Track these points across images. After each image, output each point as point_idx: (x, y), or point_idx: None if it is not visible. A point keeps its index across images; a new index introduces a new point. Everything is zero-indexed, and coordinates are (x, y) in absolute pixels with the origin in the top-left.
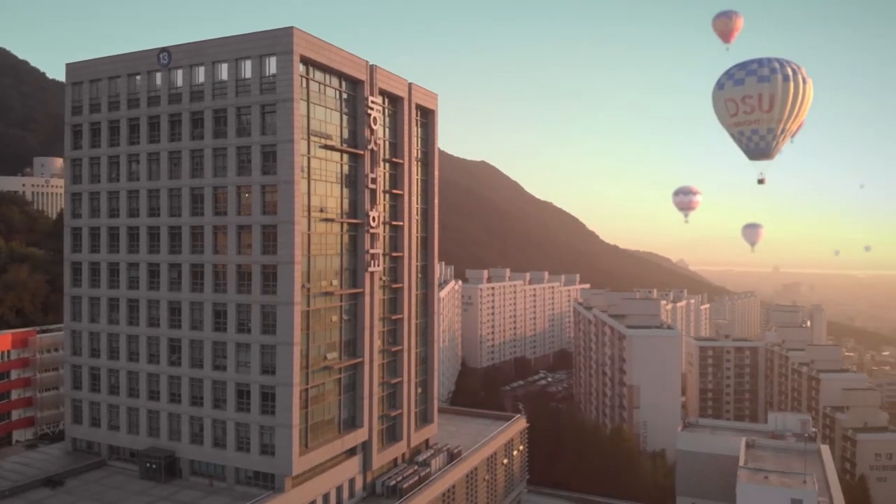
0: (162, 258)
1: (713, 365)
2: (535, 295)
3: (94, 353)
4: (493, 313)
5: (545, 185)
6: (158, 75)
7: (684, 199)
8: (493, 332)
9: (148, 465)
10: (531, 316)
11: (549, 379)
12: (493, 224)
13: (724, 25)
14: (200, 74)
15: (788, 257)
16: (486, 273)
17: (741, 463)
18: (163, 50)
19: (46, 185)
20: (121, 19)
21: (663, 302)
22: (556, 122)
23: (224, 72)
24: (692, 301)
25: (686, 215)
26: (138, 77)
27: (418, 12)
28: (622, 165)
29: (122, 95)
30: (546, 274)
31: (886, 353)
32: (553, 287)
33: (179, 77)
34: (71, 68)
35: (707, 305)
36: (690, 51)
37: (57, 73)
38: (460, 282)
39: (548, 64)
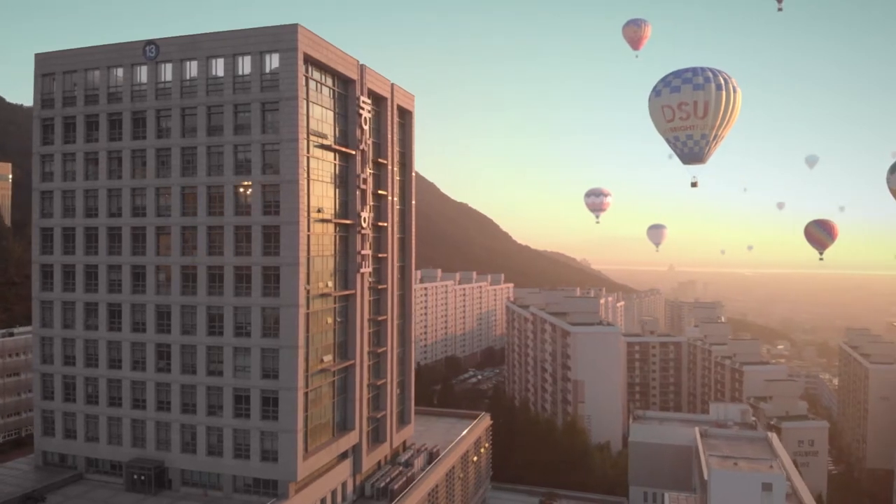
0: (148, 260)
1: (640, 360)
2: (464, 295)
3: (68, 361)
4: (425, 313)
5: (461, 186)
6: (143, 69)
7: (595, 201)
8: (425, 333)
9: (135, 476)
10: (461, 315)
11: (479, 377)
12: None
13: (633, 33)
14: (193, 69)
15: (681, 256)
16: (418, 274)
17: (702, 451)
18: (149, 42)
19: None
20: (85, 21)
21: None
22: (471, 124)
23: (220, 67)
24: (609, 299)
25: (597, 216)
26: (120, 70)
27: (325, 7)
28: (535, 167)
29: (101, 89)
30: (474, 274)
31: (781, 346)
32: (481, 287)
33: (167, 71)
34: (41, 59)
35: (622, 303)
36: (602, 57)
37: None
38: None
39: (459, 65)
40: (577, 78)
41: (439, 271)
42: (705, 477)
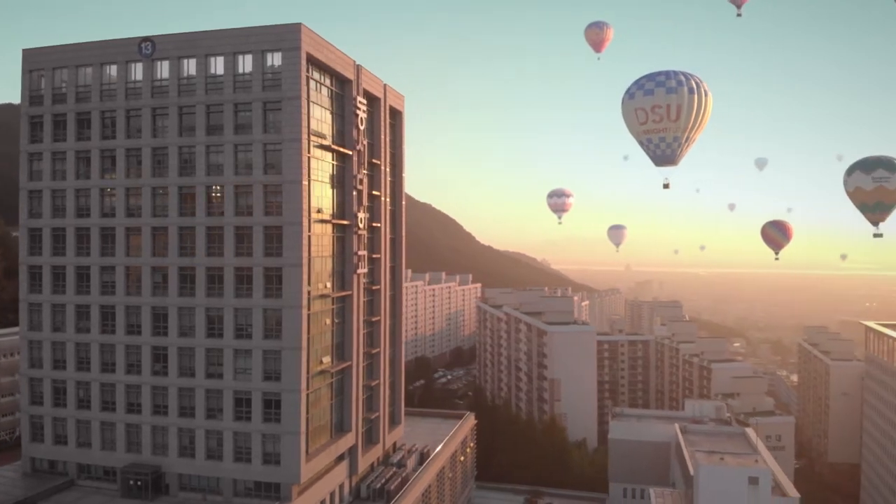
0: (144, 261)
1: (609, 358)
2: (434, 295)
3: (58, 365)
4: None
5: (424, 186)
6: (138, 66)
7: (558, 202)
8: None
9: (131, 482)
10: (430, 316)
11: (449, 377)
12: None
13: (595, 36)
14: (191, 67)
15: (637, 256)
16: None
17: (684, 447)
18: (145, 39)
19: None
20: (78, 23)
21: None
22: (433, 124)
23: (219, 66)
24: (575, 298)
25: (560, 217)
26: (114, 67)
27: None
28: (497, 168)
29: (93, 86)
30: (444, 275)
31: (737, 344)
32: (450, 287)
33: (164, 69)
34: (29, 55)
35: (587, 302)
36: (564, 58)
37: None
38: None
39: (420, 63)
40: (538, 78)
41: (409, 272)
42: (691, 472)
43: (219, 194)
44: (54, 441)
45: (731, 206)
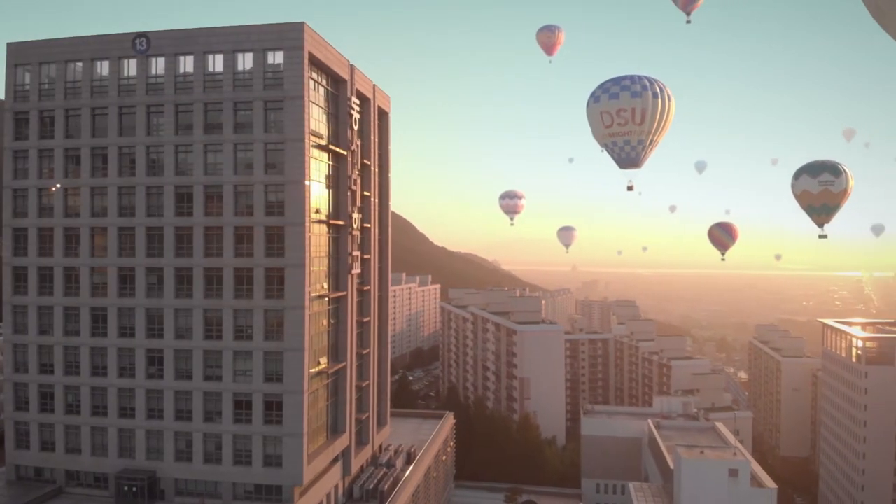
0: (138, 262)
1: (570, 356)
2: (395, 296)
3: (45, 370)
4: None
5: None
6: (132, 63)
7: (510, 203)
8: None
9: (126, 487)
10: (391, 317)
11: (410, 378)
12: None
13: (547, 39)
14: (188, 64)
15: (583, 257)
16: None
17: (660, 441)
18: (140, 35)
19: None
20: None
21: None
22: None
23: (218, 63)
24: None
25: (512, 218)
26: (105, 63)
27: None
28: (450, 169)
29: (84, 82)
30: (403, 276)
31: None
32: (410, 288)
33: (159, 66)
34: (14, 48)
35: (544, 302)
36: (517, 61)
37: None
38: None
39: (369, 60)
40: (489, 77)
41: None
42: (670, 466)
43: (217, 194)
44: (41, 447)
45: (672, 208)
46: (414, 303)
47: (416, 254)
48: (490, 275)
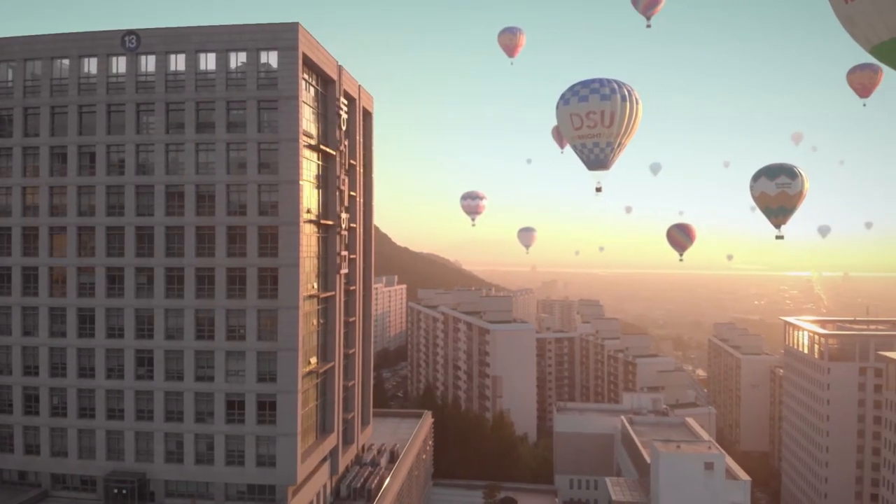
0: (127, 262)
1: (538, 355)
2: None
3: (29, 371)
4: None
5: None
6: (121, 60)
7: (471, 203)
8: None
9: (115, 490)
10: None
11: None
12: None
13: (508, 41)
14: (179, 63)
15: (541, 257)
16: None
17: (634, 437)
18: (129, 32)
19: None
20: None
21: None
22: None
23: (211, 62)
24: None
25: (473, 219)
26: (93, 60)
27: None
28: (411, 170)
29: (71, 79)
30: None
31: None
32: (377, 288)
33: (149, 64)
34: None
35: None
36: (478, 62)
37: None
38: None
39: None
40: (449, 77)
41: None
42: (647, 460)
43: (210, 193)
44: (25, 451)
45: (628, 209)
46: (380, 303)
47: (379, 254)
48: (453, 275)
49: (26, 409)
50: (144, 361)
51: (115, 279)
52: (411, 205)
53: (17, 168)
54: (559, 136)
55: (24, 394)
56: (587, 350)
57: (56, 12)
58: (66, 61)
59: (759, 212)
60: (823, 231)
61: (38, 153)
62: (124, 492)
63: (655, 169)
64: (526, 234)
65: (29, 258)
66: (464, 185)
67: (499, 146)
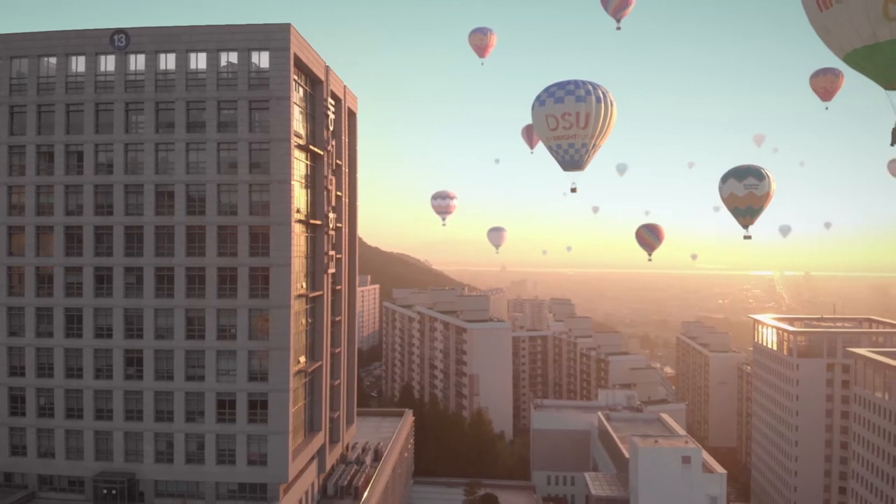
0: (115, 261)
1: (512, 353)
2: None
3: (15, 372)
4: None
5: None
6: (110, 59)
7: (442, 203)
8: None
9: (105, 490)
10: None
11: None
12: None
13: (479, 41)
14: (170, 62)
15: (510, 257)
16: None
17: (612, 432)
18: (118, 31)
19: None
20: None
21: None
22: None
23: (201, 62)
24: None
25: (444, 219)
26: (81, 59)
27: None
28: (380, 169)
29: (58, 78)
30: None
31: None
32: None
33: (138, 63)
34: None
35: None
36: (448, 61)
37: None
38: None
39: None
40: (420, 76)
41: None
42: (626, 455)
43: (200, 193)
44: (11, 452)
45: (595, 209)
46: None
47: None
48: (424, 274)
49: (12, 410)
50: (134, 361)
51: (103, 279)
52: (381, 204)
53: (2, 167)
54: (529, 136)
55: (9, 395)
56: (560, 348)
57: (45, 10)
58: (53, 60)
59: (723, 212)
60: (785, 231)
61: (25, 151)
62: (113, 492)
63: (622, 169)
64: (496, 234)
65: (15, 258)
66: (434, 185)
67: (469, 146)
